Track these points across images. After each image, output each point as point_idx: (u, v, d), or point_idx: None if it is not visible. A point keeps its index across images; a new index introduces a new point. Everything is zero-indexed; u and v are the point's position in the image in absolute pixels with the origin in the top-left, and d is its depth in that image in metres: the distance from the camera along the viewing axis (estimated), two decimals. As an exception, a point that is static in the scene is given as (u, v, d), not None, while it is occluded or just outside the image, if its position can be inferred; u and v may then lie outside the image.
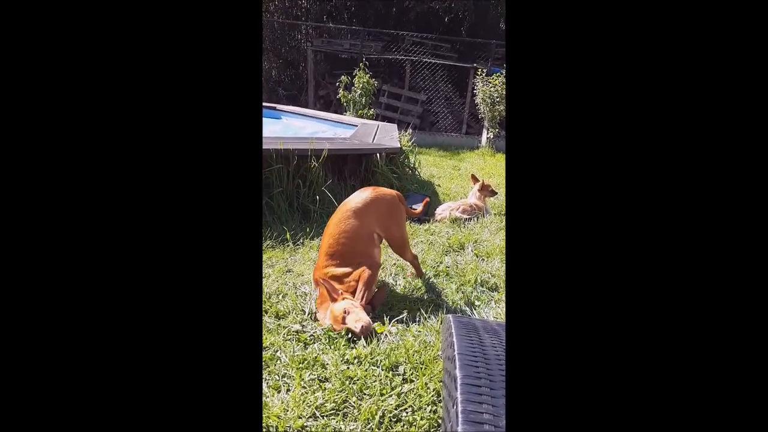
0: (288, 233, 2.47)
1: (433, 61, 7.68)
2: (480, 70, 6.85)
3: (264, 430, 1.04)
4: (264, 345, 1.39)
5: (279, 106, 5.93)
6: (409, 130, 4.16)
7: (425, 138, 7.09)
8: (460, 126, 7.91)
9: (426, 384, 1.24)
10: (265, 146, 2.73)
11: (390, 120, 7.22)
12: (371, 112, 6.06)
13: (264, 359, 1.30)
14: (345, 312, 1.51)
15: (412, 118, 7.61)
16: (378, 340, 1.47)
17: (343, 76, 5.98)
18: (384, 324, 1.60)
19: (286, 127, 5.20)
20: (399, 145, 3.44)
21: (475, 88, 6.84)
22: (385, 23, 8.47)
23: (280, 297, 1.75)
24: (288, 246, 2.39)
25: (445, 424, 0.93)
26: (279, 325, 1.54)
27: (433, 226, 2.92)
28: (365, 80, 5.92)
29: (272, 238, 2.44)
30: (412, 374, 1.30)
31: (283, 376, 1.24)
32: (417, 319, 1.67)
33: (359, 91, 5.96)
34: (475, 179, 3.25)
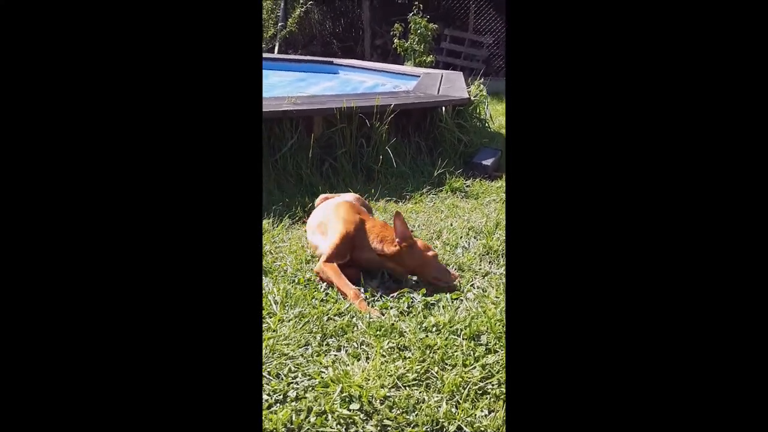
0: (354, 194, 2.43)
1: (499, -2, 6.99)
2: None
3: (346, 398, 1.03)
4: (340, 311, 1.38)
5: (336, 60, 5.78)
6: (480, 78, 3.84)
7: (492, 85, 6.60)
8: (528, 69, 7.26)
9: (511, 356, 1.17)
10: (327, 105, 2.65)
11: (452, 67, 6.79)
12: (430, 59, 5.70)
13: (341, 326, 1.30)
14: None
15: (477, 63, 7.09)
16: (455, 308, 1.41)
17: (396, 24, 5.63)
18: (460, 289, 1.53)
19: (344, 82, 5.07)
20: (467, 96, 3.21)
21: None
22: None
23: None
24: (355, 207, 2.35)
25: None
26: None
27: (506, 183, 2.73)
28: (423, 25, 5.53)
29: (339, 200, 2.42)
30: (495, 344, 1.23)
31: (362, 344, 1.23)
32: (495, 284, 1.58)
33: (416, 38, 5.59)
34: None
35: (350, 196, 1.97)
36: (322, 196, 2.06)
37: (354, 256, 1.59)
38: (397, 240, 1.54)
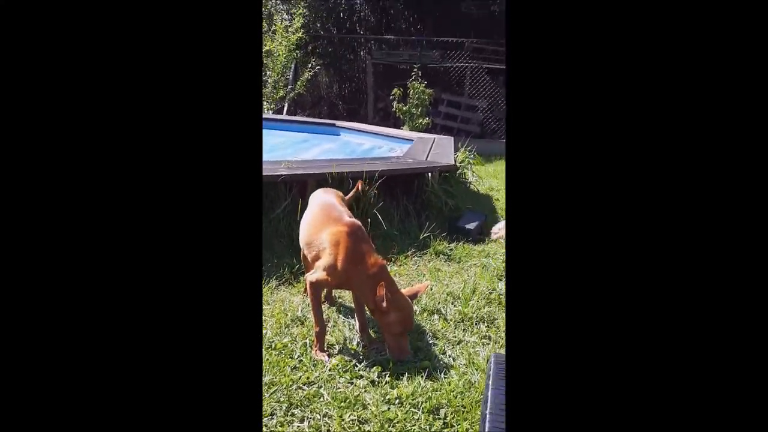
0: (341, 256, 2.52)
1: (494, 66, 7.47)
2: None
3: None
4: (309, 379, 1.43)
5: (338, 123, 6.12)
6: (468, 143, 4.04)
7: (487, 146, 6.89)
8: (523, 131, 7.58)
9: (467, 430, 1.20)
10: (320, 170, 2.82)
11: (449, 129, 7.13)
12: (426, 122, 6.01)
13: (308, 395, 1.34)
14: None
15: (473, 126, 7.45)
16: (422, 377, 1.45)
17: (395, 89, 6.01)
18: (429, 359, 1.57)
19: (344, 144, 5.34)
20: (453, 162, 3.38)
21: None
22: (443, 30, 8.41)
23: (329, 325, 1.80)
24: (340, 270, 2.44)
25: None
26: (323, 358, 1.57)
27: (488, 246, 2.82)
28: (420, 90, 5.89)
29: (326, 262, 2.50)
30: (453, 418, 1.26)
31: (324, 416, 1.27)
32: (465, 353, 1.62)
33: (415, 102, 5.95)
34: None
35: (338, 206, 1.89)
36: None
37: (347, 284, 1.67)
38: (376, 302, 1.55)
